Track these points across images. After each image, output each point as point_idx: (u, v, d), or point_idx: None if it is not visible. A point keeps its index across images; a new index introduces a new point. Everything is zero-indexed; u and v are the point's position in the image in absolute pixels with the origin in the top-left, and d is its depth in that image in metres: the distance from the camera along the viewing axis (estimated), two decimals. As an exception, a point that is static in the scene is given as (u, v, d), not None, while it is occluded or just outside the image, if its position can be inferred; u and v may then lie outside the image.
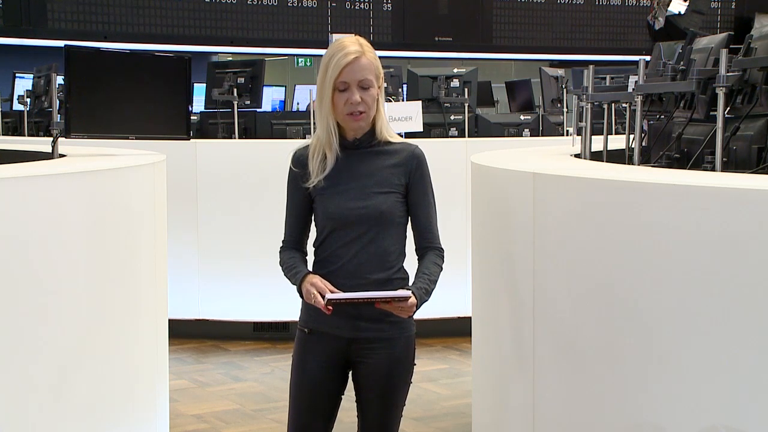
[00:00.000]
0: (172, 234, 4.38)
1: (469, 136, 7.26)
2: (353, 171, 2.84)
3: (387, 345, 2.85)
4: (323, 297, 2.72)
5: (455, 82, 7.46)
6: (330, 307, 2.73)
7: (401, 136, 6.02)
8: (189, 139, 4.95)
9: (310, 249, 2.96)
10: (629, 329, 2.58)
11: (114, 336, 3.38)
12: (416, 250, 2.92)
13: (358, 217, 2.81)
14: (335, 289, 2.77)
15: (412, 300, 2.74)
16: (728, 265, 2.29)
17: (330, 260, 2.85)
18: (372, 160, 2.86)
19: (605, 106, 4.45)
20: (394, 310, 2.76)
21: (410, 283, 2.88)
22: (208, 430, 4.77)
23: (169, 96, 4.72)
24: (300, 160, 2.89)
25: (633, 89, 4.03)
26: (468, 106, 7.34)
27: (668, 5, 9.00)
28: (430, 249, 2.90)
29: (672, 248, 2.43)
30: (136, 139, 4.55)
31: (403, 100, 7.57)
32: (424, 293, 2.80)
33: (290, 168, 2.91)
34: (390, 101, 6.97)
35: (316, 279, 2.80)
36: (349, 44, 2.80)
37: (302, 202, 2.90)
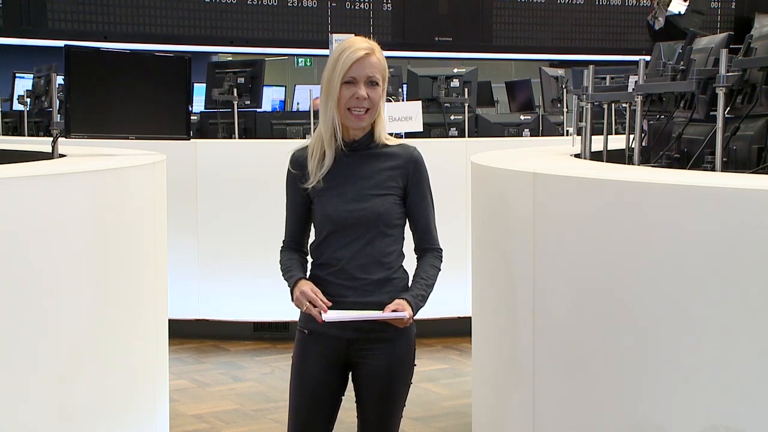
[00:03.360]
0: (172, 234, 4.38)
1: (469, 136, 7.26)
2: (351, 173, 2.85)
3: (387, 346, 2.85)
4: (320, 314, 2.76)
5: (455, 82, 7.46)
6: (323, 319, 2.77)
7: (401, 136, 6.05)
8: (189, 139, 4.95)
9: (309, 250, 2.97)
10: (629, 329, 2.58)
11: (114, 336, 3.38)
12: (415, 250, 2.94)
13: (356, 220, 2.81)
14: (326, 300, 2.79)
15: (408, 313, 2.77)
16: (728, 265, 2.29)
17: (329, 262, 2.85)
18: (370, 163, 2.86)
19: (605, 106, 4.45)
20: (392, 322, 2.79)
21: (410, 283, 2.89)
22: (208, 430, 4.77)
23: (169, 96, 4.72)
24: (298, 161, 2.89)
25: (633, 89, 4.03)
26: (468, 106, 7.34)
27: (668, 5, 9.00)
28: (428, 250, 2.92)
29: (672, 248, 2.43)
30: (136, 139, 4.55)
31: (403, 100, 7.57)
32: (420, 300, 2.83)
33: (288, 169, 2.91)
34: (390, 101, 6.97)
35: (307, 287, 2.81)
36: (360, 42, 2.83)
37: (301, 203, 2.91)
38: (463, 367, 5.79)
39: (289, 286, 2.88)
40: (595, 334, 2.74)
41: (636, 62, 3.94)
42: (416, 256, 2.94)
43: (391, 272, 2.85)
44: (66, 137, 4.21)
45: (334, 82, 2.81)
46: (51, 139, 4.20)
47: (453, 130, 7.40)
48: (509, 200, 3.26)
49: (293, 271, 2.89)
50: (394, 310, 2.77)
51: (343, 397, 2.95)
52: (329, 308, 2.78)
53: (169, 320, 4.20)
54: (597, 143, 4.42)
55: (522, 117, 7.78)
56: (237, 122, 7.09)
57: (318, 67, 13.38)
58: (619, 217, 2.62)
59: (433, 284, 2.88)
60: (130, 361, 3.54)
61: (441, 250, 2.93)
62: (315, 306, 2.78)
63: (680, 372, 2.42)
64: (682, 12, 9.01)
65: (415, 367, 2.94)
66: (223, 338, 6.50)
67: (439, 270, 2.91)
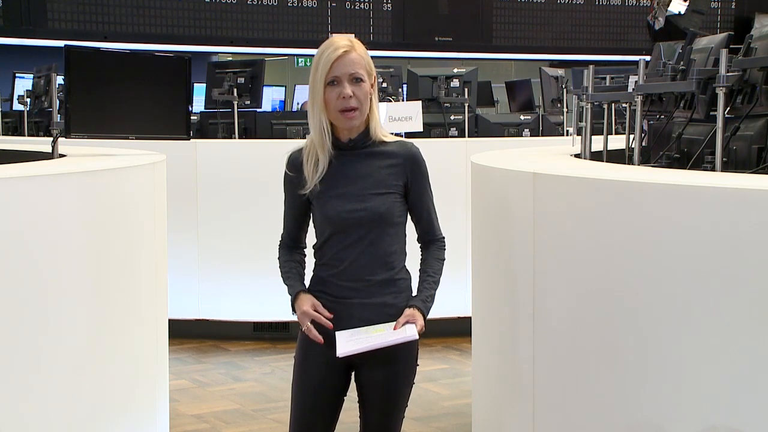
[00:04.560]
0: (172, 234, 4.38)
1: (469, 136, 7.26)
2: (349, 173, 2.84)
3: (389, 347, 2.84)
4: (335, 350, 2.75)
5: (455, 82, 7.46)
6: (321, 339, 2.79)
7: (401, 136, 6.05)
8: (189, 139, 4.95)
9: (310, 250, 2.96)
10: (629, 329, 2.58)
11: (114, 336, 3.38)
12: (418, 240, 2.96)
13: (357, 220, 2.81)
14: (328, 314, 2.79)
15: (420, 326, 2.79)
16: (728, 265, 2.29)
17: (332, 263, 2.85)
18: (368, 161, 2.85)
19: (605, 106, 4.45)
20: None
21: (412, 282, 2.90)
22: (208, 430, 4.77)
23: (169, 96, 4.72)
24: (295, 164, 2.88)
25: (633, 89, 4.03)
26: (468, 106, 7.34)
27: (668, 5, 8.99)
28: (432, 241, 2.94)
29: (672, 248, 2.43)
30: (136, 139, 4.55)
31: (403, 100, 7.56)
32: (429, 300, 2.85)
33: (285, 172, 2.91)
34: (390, 101, 6.97)
35: (307, 306, 2.81)
36: (339, 41, 2.81)
37: (299, 205, 2.90)
38: (463, 367, 5.79)
39: (289, 294, 2.89)
40: (595, 334, 2.74)
41: (636, 62, 3.93)
42: (419, 245, 2.95)
43: (394, 272, 2.85)
44: (66, 137, 4.21)
45: (317, 85, 2.79)
46: (51, 139, 4.20)
47: (453, 130, 7.40)
48: (509, 200, 3.26)
49: (292, 280, 2.90)
50: (406, 322, 2.79)
51: (344, 398, 2.95)
52: (335, 329, 2.79)
53: (169, 320, 4.20)
54: (597, 143, 4.42)
55: (522, 117, 7.78)
56: (237, 122, 7.09)
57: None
58: (619, 217, 2.62)
59: (439, 279, 2.90)
60: (130, 361, 3.54)
61: (443, 238, 2.95)
62: (319, 322, 2.81)
63: (680, 372, 2.42)
64: (682, 12, 9.00)
65: (417, 368, 2.94)
66: (223, 338, 6.50)
67: (444, 259, 2.93)
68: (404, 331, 2.77)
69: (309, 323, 2.80)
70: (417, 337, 2.77)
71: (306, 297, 2.85)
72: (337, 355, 2.73)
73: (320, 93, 2.78)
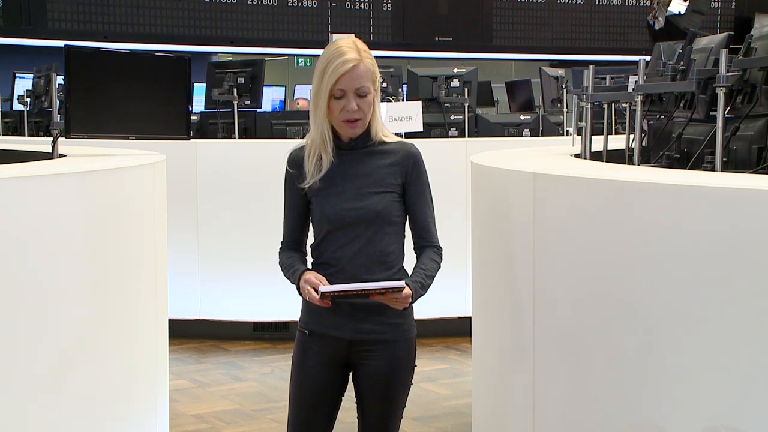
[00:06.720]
0: (172, 234, 4.38)
1: (469, 136, 7.26)
2: (349, 172, 2.84)
3: (388, 347, 2.84)
4: (317, 291, 2.71)
5: (455, 82, 7.46)
6: (328, 302, 2.72)
7: (401, 136, 6.06)
8: (189, 139, 4.95)
9: (309, 250, 2.96)
10: (629, 329, 2.58)
11: (114, 336, 3.38)
12: (414, 248, 2.92)
13: (355, 218, 2.80)
14: (328, 284, 2.76)
15: (407, 291, 2.73)
16: (728, 265, 2.29)
17: (329, 262, 2.84)
18: (368, 161, 2.85)
19: (605, 106, 4.45)
20: (389, 302, 2.75)
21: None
22: (208, 430, 4.77)
23: (169, 96, 4.72)
24: (296, 161, 2.89)
25: (633, 89, 4.03)
26: (468, 106, 7.34)
27: (668, 5, 9.00)
28: (428, 247, 2.89)
29: (672, 248, 2.43)
30: (136, 139, 4.55)
31: (403, 100, 7.57)
32: (419, 287, 2.78)
33: (286, 169, 2.91)
34: (390, 101, 6.97)
35: (310, 275, 2.79)
36: (348, 50, 2.77)
37: (299, 203, 2.90)
38: (463, 367, 5.79)
39: (293, 282, 2.86)
40: (595, 334, 2.74)
41: (636, 62, 3.93)
42: (415, 254, 2.90)
43: (392, 272, 2.84)
44: (66, 137, 4.21)
45: (321, 93, 2.78)
46: (51, 139, 4.20)
47: (453, 130, 7.40)
48: (509, 200, 3.26)
49: (296, 265, 2.87)
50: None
51: (342, 398, 2.95)
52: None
53: (169, 320, 4.20)
54: (597, 143, 4.42)
55: (522, 117, 7.78)
56: (237, 122, 7.09)
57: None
58: (619, 217, 2.62)
59: (433, 276, 2.85)
60: (130, 361, 3.54)
61: (440, 248, 2.90)
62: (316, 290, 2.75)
63: (680, 372, 2.42)
64: (682, 12, 9.01)
65: (415, 368, 2.93)
66: (223, 338, 6.50)
67: (439, 265, 2.87)
68: (391, 283, 2.73)
69: (309, 287, 2.76)
70: (403, 285, 2.71)
71: (311, 271, 2.82)
72: (320, 291, 2.70)
73: (324, 102, 2.78)
